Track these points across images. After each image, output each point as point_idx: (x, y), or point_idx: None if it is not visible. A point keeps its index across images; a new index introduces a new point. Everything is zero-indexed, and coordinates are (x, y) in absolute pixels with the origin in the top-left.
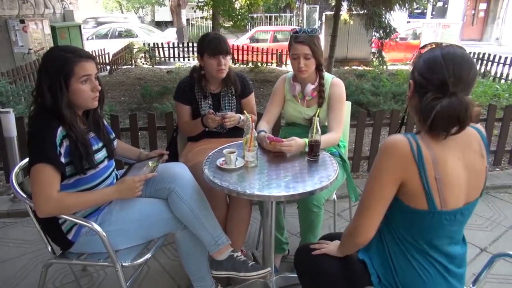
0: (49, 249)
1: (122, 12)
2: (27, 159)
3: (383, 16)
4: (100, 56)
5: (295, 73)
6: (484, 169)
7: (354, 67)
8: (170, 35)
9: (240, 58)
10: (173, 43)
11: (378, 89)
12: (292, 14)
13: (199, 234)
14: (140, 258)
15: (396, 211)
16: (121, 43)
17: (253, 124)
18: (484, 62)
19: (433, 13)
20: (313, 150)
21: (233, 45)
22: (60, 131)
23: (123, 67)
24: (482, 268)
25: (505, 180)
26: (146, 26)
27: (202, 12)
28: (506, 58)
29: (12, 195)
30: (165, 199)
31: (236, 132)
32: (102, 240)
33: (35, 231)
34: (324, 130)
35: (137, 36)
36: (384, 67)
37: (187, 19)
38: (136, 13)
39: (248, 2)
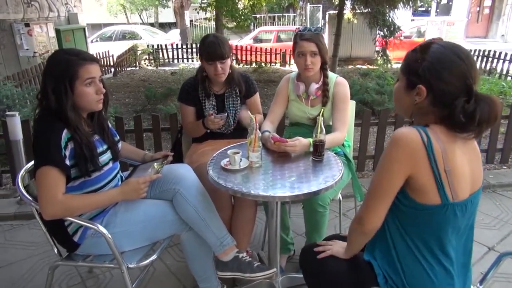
0: (55, 251)
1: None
2: (32, 162)
3: (387, 15)
4: (105, 58)
5: (301, 71)
6: (480, 157)
7: (358, 66)
8: (173, 36)
9: (244, 58)
10: (177, 45)
11: (382, 88)
12: (295, 14)
13: (204, 235)
14: (145, 259)
15: (408, 210)
16: (125, 45)
17: (257, 124)
18: (490, 59)
19: (438, 10)
20: (318, 150)
21: (236, 45)
22: (65, 134)
23: (127, 69)
24: (490, 267)
25: None
26: (150, 28)
27: (205, 13)
28: None
29: (19, 197)
30: (170, 200)
31: (241, 132)
32: (107, 242)
33: (42, 233)
34: (329, 129)
35: (141, 38)
36: (389, 65)
37: (191, 20)
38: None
39: (251, 2)
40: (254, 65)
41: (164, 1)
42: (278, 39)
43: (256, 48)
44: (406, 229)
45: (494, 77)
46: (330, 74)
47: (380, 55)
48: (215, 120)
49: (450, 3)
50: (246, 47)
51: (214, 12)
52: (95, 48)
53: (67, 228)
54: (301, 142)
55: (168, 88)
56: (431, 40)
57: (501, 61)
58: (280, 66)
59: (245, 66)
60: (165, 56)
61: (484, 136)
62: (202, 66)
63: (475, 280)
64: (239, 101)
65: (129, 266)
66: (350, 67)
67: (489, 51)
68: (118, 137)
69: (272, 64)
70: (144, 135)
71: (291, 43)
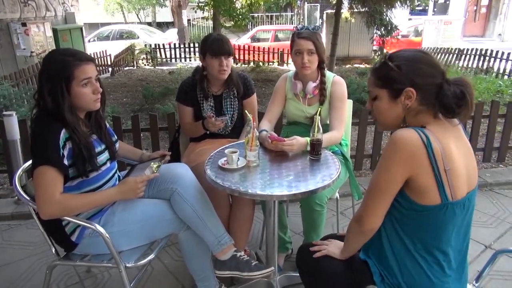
0: (53, 251)
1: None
2: (30, 162)
3: (384, 14)
4: (102, 58)
5: (298, 70)
6: (473, 155)
7: (356, 65)
8: (171, 35)
9: (242, 57)
10: (175, 44)
11: None
12: (293, 13)
13: (202, 234)
14: (143, 258)
15: (408, 212)
16: (122, 44)
17: (255, 123)
18: (487, 58)
19: (435, 9)
20: (315, 149)
21: (234, 44)
22: (63, 134)
23: (125, 68)
24: (485, 265)
25: (509, 177)
26: (147, 27)
27: (203, 13)
28: (508, 54)
29: (16, 197)
30: (167, 199)
31: (238, 132)
32: (105, 241)
33: (39, 233)
34: (326, 128)
35: (138, 37)
36: None
37: (188, 20)
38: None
39: (248, 1)
40: (251, 64)
41: (162, 0)
42: (276, 39)
43: (254, 47)
44: (404, 229)
45: (491, 76)
46: (328, 73)
47: (377, 54)
48: (216, 123)
49: (447, 2)
50: (244, 46)
51: (212, 11)
52: (92, 47)
53: (64, 228)
54: (299, 141)
55: (165, 87)
56: (386, 53)
57: (498, 60)
58: (278, 65)
59: (243, 65)
60: (163, 56)
61: (481, 135)
62: (200, 66)
63: (472, 278)
64: (237, 102)
65: (127, 265)
66: (347, 66)
67: (486, 50)
68: (116, 137)
69: (270, 63)
70: (141, 134)
71: (288, 43)
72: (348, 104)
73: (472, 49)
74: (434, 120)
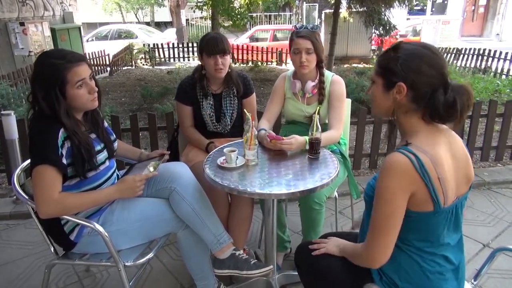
0: (52, 250)
1: (122, 14)
2: (28, 161)
3: (383, 13)
4: (100, 58)
5: (296, 68)
6: (469, 159)
7: (354, 65)
8: (169, 35)
9: (240, 57)
10: (173, 44)
11: None
12: (291, 13)
13: (201, 233)
14: (142, 257)
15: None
16: (121, 44)
17: (253, 122)
18: (485, 58)
19: (433, 9)
20: (314, 148)
21: (233, 44)
22: (61, 133)
23: (123, 68)
24: (483, 263)
25: (507, 176)
26: (146, 27)
27: (202, 12)
28: (506, 53)
29: (15, 197)
30: (166, 198)
31: (237, 131)
32: (104, 240)
33: (38, 232)
34: (325, 127)
35: (136, 37)
36: None
37: (187, 19)
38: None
39: (247, 1)
40: (250, 64)
41: (160, 0)
42: (275, 38)
43: (253, 47)
44: (400, 234)
45: (489, 76)
46: (326, 72)
47: (376, 53)
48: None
49: (446, 2)
50: (243, 46)
51: (210, 11)
52: (90, 47)
53: (63, 227)
54: (297, 140)
55: (164, 87)
56: (400, 41)
57: (495, 59)
58: (277, 65)
59: (242, 65)
60: (161, 55)
61: (479, 134)
62: (200, 64)
63: (470, 276)
64: (237, 101)
65: (126, 264)
66: (346, 65)
67: (484, 49)
68: (115, 136)
69: (269, 63)
70: (140, 134)
71: (287, 42)
72: (347, 104)
73: (470, 49)
74: (424, 124)
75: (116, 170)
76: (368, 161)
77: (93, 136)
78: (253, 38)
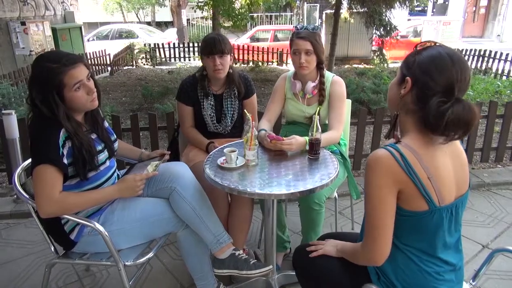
0: (52, 249)
1: (123, 13)
2: (29, 161)
3: (384, 14)
4: (101, 57)
5: (296, 69)
6: (467, 163)
7: (355, 65)
8: (170, 35)
9: (241, 57)
10: (174, 44)
11: (379, 87)
12: (292, 13)
13: (201, 233)
14: (142, 257)
15: (397, 217)
16: (121, 44)
17: (253, 123)
18: (486, 59)
19: (434, 10)
20: (314, 148)
21: (233, 44)
22: (62, 133)
23: (124, 68)
24: (482, 264)
25: (507, 177)
26: (147, 27)
27: (202, 12)
28: (507, 54)
29: (15, 196)
30: (166, 198)
31: (237, 132)
32: (104, 240)
33: (38, 231)
34: (325, 128)
35: (137, 36)
36: (385, 65)
37: (188, 19)
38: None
39: (248, 1)
40: (251, 64)
41: (161, 0)
42: (275, 38)
43: (253, 47)
44: (396, 233)
45: (490, 77)
46: (327, 73)
47: (376, 54)
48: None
49: (446, 2)
50: (243, 46)
51: (211, 11)
52: (91, 46)
53: (63, 226)
54: (297, 141)
55: (165, 87)
56: (433, 41)
57: (496, 60)
58: (277, 65)
59: (242, 65)
60: (162, 55)
61: (479, 135)
62: (203, 66)
63: (469, 277)
64: (237, 102)
65: (126, 264)
66: (346, 66)
67: (485, 50)
68: (115, 136)
69: (269, 63)
70: (141, 133)
71: (288, 43)
72: (347, 104)
73: (471, 50)
74: (416, 127)
75: (117, 170)
76: None
77: (93, 136)
78: (254, 38)
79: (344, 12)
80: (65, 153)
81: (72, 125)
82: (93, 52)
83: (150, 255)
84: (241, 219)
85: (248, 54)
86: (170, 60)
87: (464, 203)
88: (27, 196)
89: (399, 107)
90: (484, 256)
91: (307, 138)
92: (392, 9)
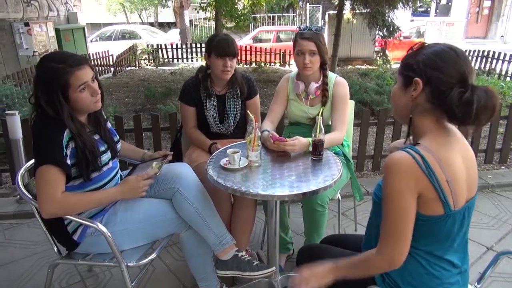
0: (55, 249)
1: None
2: (32, 161)
3: (386, 15)
4: (104, 58)
5: (300, 70)
6: (475, 158)
7: (358, 66)
8: (173, 36)
9: (244, 58)
10: (176, 44)
11: (382, 88)
12: (295, 14)
13: (204, 234)
14: (145, 258)
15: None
16: (124, 44)
17: (257, 123)
18: (489, 59)
19: (437, 11)
20: (317, 150)
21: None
22: (66, 133)
23: (127, 68)
24: (487, 266)
25: (511, 178)
26: (149, 27)
27: (205, 13)
28: (511, 55)
29: (18, 196)
30: (169, 199)
31: (240, 132)
32: (107, 241)
33: (41, 232)
34: (328, 129)
35: (140, 37)
36: (388, 65)
37: (190, 20)
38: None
39: (250, 2)
40: (253, 65)
41: (164, 1)
42: (278, 39)
43: (256, 48)
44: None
45: (493, 78)
46: (330, 74)
47: (379, 55)
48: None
49: (450, 3)
50: (246, 47)
51: (214, 12)
52: (94, 47)
53: (66, 227)
54: (300, 142)
55: (167, 87)
56: (424, 42)
57: (500, 61)
58: (280, 66)
59: (245, 66)
60: (165, 56)
61: (483, 137)
62: (205, 65)
63: (473, 280)
64: (240, 103)
65: (129, 264)
66: (349, 67)
67: (488, 51)
68: (118, 137)
69: (272, 64)
70: (143, 134)
71: (290, 43)
72: (350, 105)
73: (474, 51)
74: (436, 126)
75: (120, 171)
76: (371, 163)
77: (96, 137)
78: (256, 39)
79: (347, 13)
80: (68, 153)
81: (76, 125)
82: (96, 53)
83: (153, 256)
84: (244, 220)
85: (250, 54)
86: (172, 61)
87: (473, 205)
88: (30, 197)
89: (411, 110)
90: (488, 258)
91: (310, 139)
92: (395, 10)
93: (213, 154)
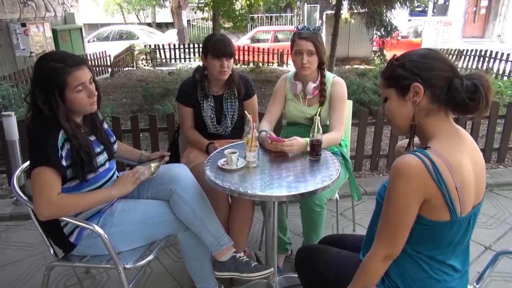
0: (51, 252)
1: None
2: (28, 162)
3: (384, 15)
4: (102, 59)
5: (297, 70)
6: (483, 162)
7: (356, 66)
8: (171, 36)
9: (241, 58)
10: (174, 45)
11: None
12: (292, 14)
13: (201, 235)
14: (142, 259)
15: (416, 226)
16: (122, 45)
17: (254, 124)
18: (486, 59)
19: (434, 10)
20: (315, 150)
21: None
22: (61, 134)
23: (124, 69)
24: (486, 266)
25: (509, 178)
26: (147, 28)
27: (203, 13)
28: (508, 55)
29: (15, 198)
30: (166, 200)
31: (238, 133)
32: (104, 242)
33: (38, 233)
34: (326, 129)
35: (138, 38)
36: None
37: (188, 20)
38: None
39: (248, 2)
40: (251, 65)
41: (161, 1)
42: (276, 39)
43: (254, 48)
44: (409, 240)
45: (491, 77)
46: (328, 73)
47: (377, 55)
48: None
49: (447, 3)
50: (244, 47)
51: (211, 12)
52: (92, 48)
53: (63, 229)
54: (298, 142)
55: (165, 88)
56: (395, 54)
57: (497, 61)
58: (278, 66)
59: (243, 66)
60: (163, 56)
61: (481, 136)
62: (201, 65)
63: (472, 279)
64: (237, 103)
65: (126, 266)
66: (347, 67)
67: (486, 51)
68: (114, 138)
69: (270, 64)
70: (141, 135)
71: (288, 43)
72: (348, 105)
73: (471, 50)
74: (445, 126)
75: (116, 172)
76: (369, 162)
77: (92, 138)
78: (254, 39)
79: (345, 13)
80: (63, 155)
81: (71, 126)
82: (93, 53)
83: (150, 257)
84: (242, 221)
85: (248, 55)
86: (170, 61)
87: (479, 211)
88: (26, 198)
89: (415, 116)
90: (486, 257)
91: (308, 139)
92: (393, 10)
93: (211, 155)
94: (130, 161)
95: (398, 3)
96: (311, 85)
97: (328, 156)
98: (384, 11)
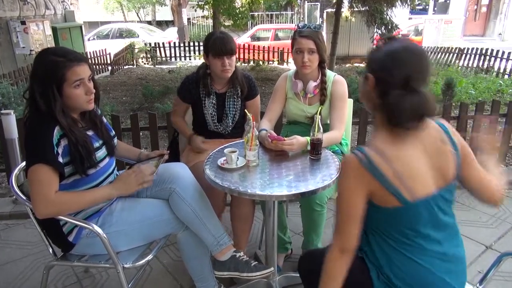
0: (50, 251)
1: (123, 13)
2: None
3: (385, 13)
4: (102, 57)
5: (298, 68)
6: (449, 152)
7: (356, 64)
8: (171, 34)
9: (242, 56)
10: (174, 43)
11: None
12: (293, 12)
13: (201, 235)
14: (142, 259)
15: (374, 214)
16: (122, 43)
17: (254, 123)
18: (487, 57)
19: (435, 9)
20: (315, 149)
21: None
22: (56, 131)
23: (124, 67)
24: (490, 267)
25: (510, 177)
26: (147, 26)
27: (203, 11)
28: (509, 53)
29: (14, 196)
30: (166, 199)
31: (238, 132)
32: (103, 242)
33: (37, 232)
34: (326, 128)
35: (138, 36)
36: None
37: (188, 18)
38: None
39: (248, 0)
40: (251, 63)
41: None
42: (276, 37)
43: (254, 46)
44: (380, 229)
45: (492, 76)
46: (328, 72)
47: None
48: (200, 146)
49: (448, 1)
50: (244, 45)
51: (212, 10)
52: (92, 46)
53: (62, 228)
54: (299, 141)
55: (165, 86)
56: (393, 36)
57: (498, 59)
58: (278, 64)
59: (243, 64)
60: (163, 54)
61: None
62: (205, 63)
63: (473, 278)
64: (240, 102)
65: (125, 266)
66: (347, 65)
67: (487, 49)
68: (114, 132)
69: (270, 62)
70: (141, 133)
71: (289, 41)
72: (349, 104)
73: (472, 49)
74: (384, 121)
75: (116, 169)
76: None
77: (90, 133)
78: (254, 37)
79: (345, 11)
80: (60, 152)
81: (67, 120)
82: (93, 51)
83: (150, 257)
84: (242, 219)
85: (249, 53)
86: (170, 59)
87: (451, 193)
88: (24, 197)
89: (368, 102)
90: (487, 257)
91: (308, 138)
92: (393, 8)
93: (210, 154)
94: (129, 160)
95: (398, 1)
96: (312, 84)
97: (328, 155)
98: (385, 9)
